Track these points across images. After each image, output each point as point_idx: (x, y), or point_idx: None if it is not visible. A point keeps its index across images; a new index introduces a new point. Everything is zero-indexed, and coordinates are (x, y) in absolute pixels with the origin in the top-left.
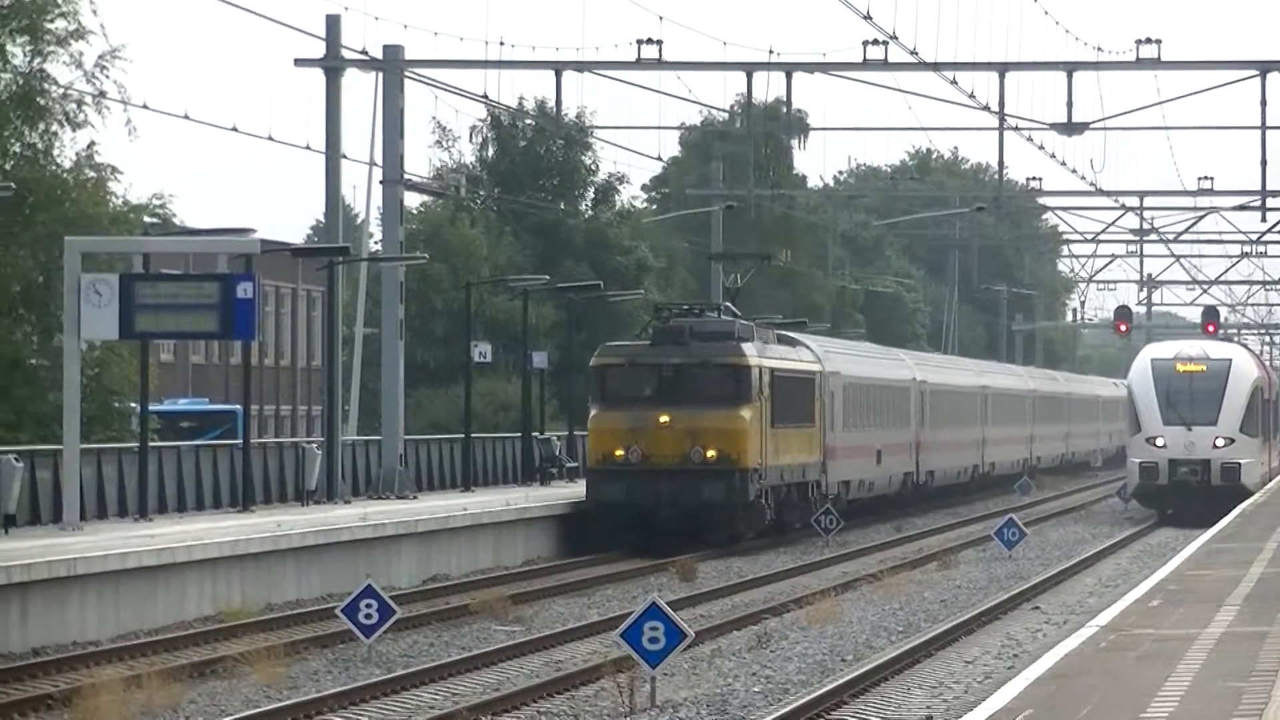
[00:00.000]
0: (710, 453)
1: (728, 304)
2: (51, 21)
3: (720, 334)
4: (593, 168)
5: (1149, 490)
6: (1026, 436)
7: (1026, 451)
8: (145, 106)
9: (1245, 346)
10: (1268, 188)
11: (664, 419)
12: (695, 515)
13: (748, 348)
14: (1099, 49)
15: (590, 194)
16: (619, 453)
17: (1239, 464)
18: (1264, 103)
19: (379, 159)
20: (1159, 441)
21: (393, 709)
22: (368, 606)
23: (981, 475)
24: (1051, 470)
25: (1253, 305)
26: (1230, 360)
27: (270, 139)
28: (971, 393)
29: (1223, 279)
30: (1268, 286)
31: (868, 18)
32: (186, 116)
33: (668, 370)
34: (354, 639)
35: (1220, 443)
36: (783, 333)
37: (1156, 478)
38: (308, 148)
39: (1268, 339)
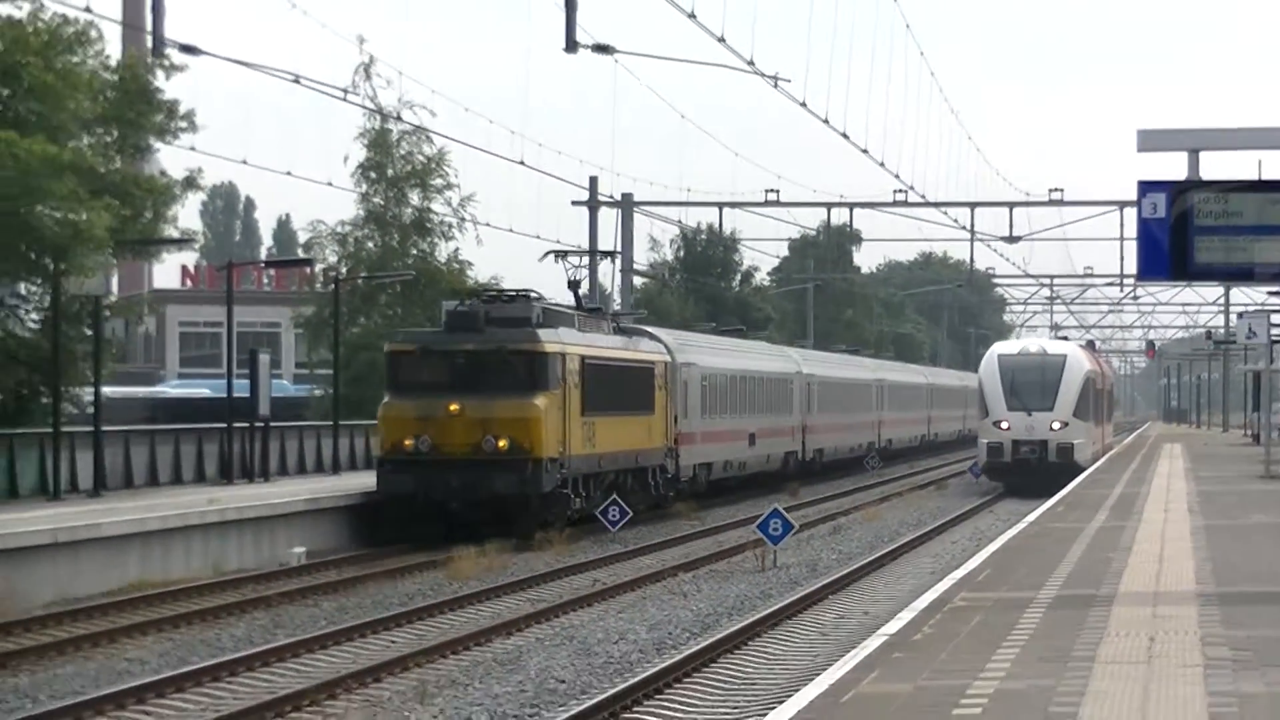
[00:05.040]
0: (502, 442)
1: (533, 290)
2: (433, 179)
3: (518, 320)
4: (739, 261)
5: (995, 466)
6: (924, 419)
7: (924, 429)
8: (488, 224)
9: (1082, 345)
10: (1125, 272)
11: (454, 407)
12: (488, 507)
13: (546, 334)
14: (1027, 193)
15: (738, 276)
16: (408, 443)
17: (1072, 444)
18: (1122, 224)
19: (619, 252)
20: (1003, 425)
21: (629, 569)
22: (614, 511)
23: (880, 449)
24: (951, 443)
25: (1115, 339)
26: (1065, 355)
27: (558, 243)
28: (865, 384)
29: (1097, 325)
30: (1122, 329)
31: (896, 176)
32: (510, 229)
33: (459, 357)
34: (605, 530)
35: (1056, 426)
36: (631, 325)
37: (1002, 456)
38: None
39: (1124, 359)
